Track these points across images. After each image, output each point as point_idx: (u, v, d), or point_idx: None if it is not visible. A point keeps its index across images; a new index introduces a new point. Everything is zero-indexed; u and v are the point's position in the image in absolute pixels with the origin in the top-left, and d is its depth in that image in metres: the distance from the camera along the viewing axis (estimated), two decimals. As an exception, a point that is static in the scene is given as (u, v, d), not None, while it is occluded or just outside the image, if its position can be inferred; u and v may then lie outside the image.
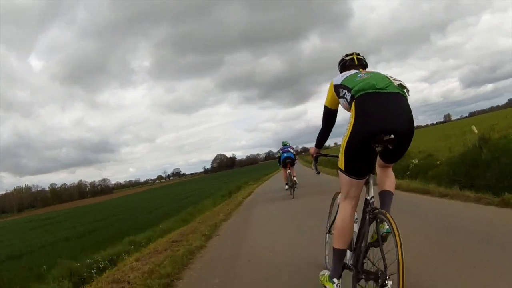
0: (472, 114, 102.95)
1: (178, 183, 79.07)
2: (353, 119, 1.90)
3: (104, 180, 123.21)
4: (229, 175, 59.72)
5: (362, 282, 1.94)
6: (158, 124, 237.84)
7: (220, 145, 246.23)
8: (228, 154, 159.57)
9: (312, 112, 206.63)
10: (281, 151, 10.42)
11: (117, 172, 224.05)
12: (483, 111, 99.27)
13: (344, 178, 2.03)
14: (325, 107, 2.25)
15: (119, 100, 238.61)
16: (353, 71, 2.16)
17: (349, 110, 1.98)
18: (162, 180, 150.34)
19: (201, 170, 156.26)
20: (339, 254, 2.08)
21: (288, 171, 9.95)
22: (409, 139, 1.92)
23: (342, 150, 1.96)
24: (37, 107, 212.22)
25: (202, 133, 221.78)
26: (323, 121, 2.28)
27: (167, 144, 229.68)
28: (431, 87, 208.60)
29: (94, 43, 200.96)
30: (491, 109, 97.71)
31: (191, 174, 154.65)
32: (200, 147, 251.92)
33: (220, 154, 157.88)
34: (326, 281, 2.16)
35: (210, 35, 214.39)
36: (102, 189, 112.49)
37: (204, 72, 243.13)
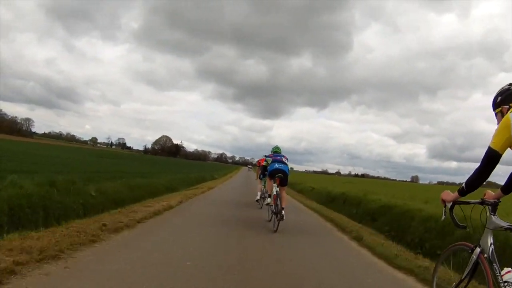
0: (440, 183, 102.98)
1: (107, 153, 62.32)
2: None
3: (27, 120, 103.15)
4: (171, 164, 47.21)
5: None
6: (127, 90, 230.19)
7: (178, 132, 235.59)
8: (176, 140, 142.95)
9: (277, 131, 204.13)
10: (270, 159, 7.72)
11: (73, 125, 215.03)
12: (453, 183, 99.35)
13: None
14: (491, 149, 2.13)
15: (95, 52, 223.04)
16: None
17: None
18: (98, 145, 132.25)
19: (141, 148, 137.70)
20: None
21: (275, 190, 7.09)
22: None
23: None
24: (16, 32, 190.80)
25: (165, 114, 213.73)
26: (484, 165, 2.16)
27: (130, 113, 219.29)
28: (397, 146, 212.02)
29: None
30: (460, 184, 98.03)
31: (137, 150, 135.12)
32: (159, 126, 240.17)
33: (165, 136, 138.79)
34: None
35: (205, 19, 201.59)
36: (19, 130, 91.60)
37: (187, 53, 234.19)
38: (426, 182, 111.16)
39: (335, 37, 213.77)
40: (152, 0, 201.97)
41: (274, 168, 7.25)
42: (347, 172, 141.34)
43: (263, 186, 10.16)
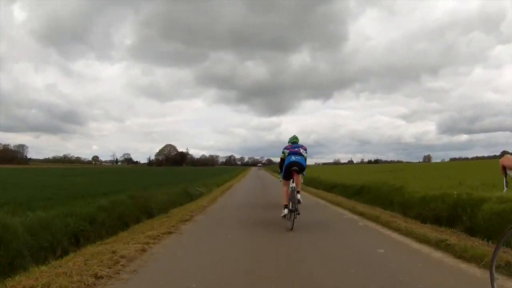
0: (453, 159, 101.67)
1: (104, 172, 59.62)
2: None
3: (20, 146, 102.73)
4: (172, 174, 43.50)
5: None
6: (130, 106, 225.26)
7: (186, 140, 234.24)
8: (181, 148, 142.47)
9: (285, 126, 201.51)
10: (287, 150, 7.14)
11: (80, 147, 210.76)
12: (466, 159, 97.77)
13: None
14: None
15: (94, 73, 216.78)
16: None
17: None
18: (97, 163, 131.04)
19: (145, 161, 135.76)
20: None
21: (292, 184, 6.60)
22: None
23: None
24: (11, 62, 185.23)
25: (171, 124, 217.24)
26: None
27: (136, 128, 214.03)
28: (407, 126, 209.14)
29: (81, 3, 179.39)
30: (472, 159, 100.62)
31: (146, 163, 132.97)
32: (167, 137, 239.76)
33: (168, 145, 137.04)
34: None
35: (200, 25, 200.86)
36: (13, 157, 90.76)
37: (185, 62, 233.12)
38: (439, 160, 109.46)
39: (332, 28, 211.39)
40: (143, 14, 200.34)
41: (290, 162, 6.68)
42: (359, 160, 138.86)
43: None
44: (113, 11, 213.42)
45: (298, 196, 6.44)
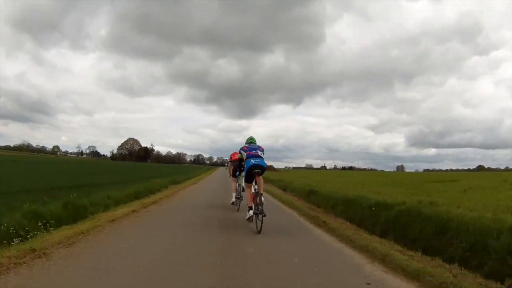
0: (426, 170, 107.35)
1: (62, 161, 54.49)
2: None
3: None
4: (137, 169, 40.04)
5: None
6: (100, 100, 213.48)
7: (155, 138, 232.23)
8: (145, 144, 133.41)
9: (253, 130, 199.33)
10: (244, 152, 7.11)
11: (49, 137, 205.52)
12: (438, 170, 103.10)
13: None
14: None
15: (66, 64, 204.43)
16: None
17: None
18: (61, 154, 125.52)
19: (108, 154, 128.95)
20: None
21: (254, 188, 6.80)
22: None
23: None
24: None
25: (140, 121, 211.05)
26: None
27: (105, 122, 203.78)
28: (375, 137, 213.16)
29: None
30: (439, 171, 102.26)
31: (110, 157, 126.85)
32: (135, 134, 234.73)
33: (131, 138, 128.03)
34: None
35: (174, 21, 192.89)
36: None
37: (157, 57, 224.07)
38: (413, 170, 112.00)
39: (307, 31, 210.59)
40: (119, 6, 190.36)
41: (250, 165, 6.78)
42: (332, 166, 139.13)
43: (238, 185, 9.44)
44: (90, 0, 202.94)
45: (262, 198, 6.52)
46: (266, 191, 13.33)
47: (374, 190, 11.97)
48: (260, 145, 7.18)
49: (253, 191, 6.72)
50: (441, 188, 14.40)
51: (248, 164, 6.77)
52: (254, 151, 6.92)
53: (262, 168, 6.73)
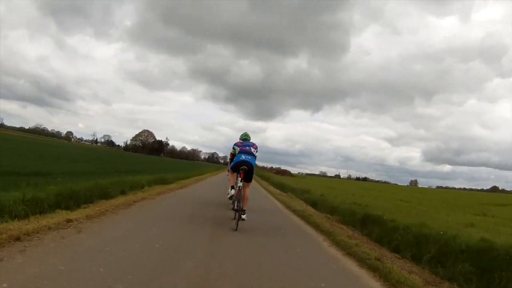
0: (439, 187, 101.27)
1: (73, 148, 52.91)
2: None
3: None
4: (150, 162, 38.42)
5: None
6: (119, 90, 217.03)
7: (171, 132, 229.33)
8: (160, 137, 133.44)
9: (270, 132, 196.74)
10: (237, 147, 7.15)
11: (67, 123, 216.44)
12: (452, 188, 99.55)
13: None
14: None
15: (88, 50, 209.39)
16: None
17: None
18: (75, 140, 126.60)
19: (122, 144, 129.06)
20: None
21: (240, 183, 6.81)
22: None
23: None
24: (7, 27, 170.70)
25: (157, 114, 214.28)
26: None
27: (122, 113, 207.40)
28: (392, 149, 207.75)
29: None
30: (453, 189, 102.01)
31: (123, 147, 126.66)
32: (152, 127, 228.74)
33: (146, 130, 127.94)
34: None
35: (201, 15, 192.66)
36: None
37: (180, 51, 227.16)
38: (426, 186, 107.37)
39: (332, 37, 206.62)
40: None
41: (239, 160, 6.73)
42: (346, 176, 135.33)
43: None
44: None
45: (243, 216, 6.35)
46: (288, 206, 11.76)
47: (441, 217, 8.90)
48: (260, 145, 7.19)
49: (238, 186, 6.80)
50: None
51: (238, 158, 6.76)
52: (247, 147, 6.92)
53: (250, 167, 6.64)
